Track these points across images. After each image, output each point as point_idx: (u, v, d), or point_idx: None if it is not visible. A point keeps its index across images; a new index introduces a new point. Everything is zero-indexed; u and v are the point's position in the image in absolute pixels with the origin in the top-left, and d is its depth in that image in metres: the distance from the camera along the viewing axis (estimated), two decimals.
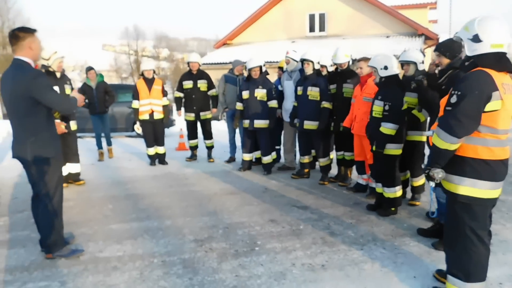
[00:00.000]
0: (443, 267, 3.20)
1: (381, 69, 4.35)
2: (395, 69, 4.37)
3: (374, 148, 4.43)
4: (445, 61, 3.85)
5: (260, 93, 6.36)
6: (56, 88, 5.39)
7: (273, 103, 6.40)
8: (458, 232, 2.62)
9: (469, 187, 2.51)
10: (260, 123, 6.41)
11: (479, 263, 2.60)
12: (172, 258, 3.46)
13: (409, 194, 4.99)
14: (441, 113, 2.63)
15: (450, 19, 26.03)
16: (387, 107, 4.25)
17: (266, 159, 6.57)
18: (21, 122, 3.29)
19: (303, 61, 5.80)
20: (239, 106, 6.68)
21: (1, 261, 3.43)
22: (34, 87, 3.15)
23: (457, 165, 2.54)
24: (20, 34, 3.19)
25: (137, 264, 3.36)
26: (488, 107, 2.38)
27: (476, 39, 2.45)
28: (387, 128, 4.25)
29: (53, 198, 3.40)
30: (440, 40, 19.31)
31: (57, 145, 3.47)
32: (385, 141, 4.28)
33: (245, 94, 6.48)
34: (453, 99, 2.45)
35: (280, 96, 6.55)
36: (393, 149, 4.35)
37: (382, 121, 4.28)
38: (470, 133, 2.44)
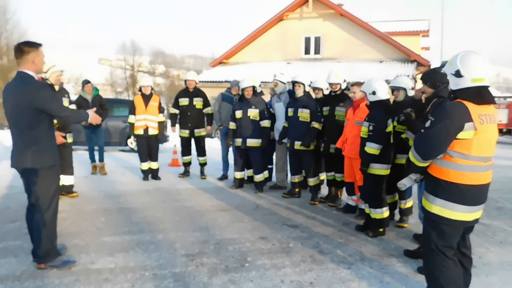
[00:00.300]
0: None
1: (369, 93, 4.55)
2: (383, 94, 4.54)
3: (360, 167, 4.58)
4: (429, 90, 4.02)
5: (253, 112, 6.51)
6: None
7: (266, 123, 6.55)
8: (428, 247, 2.82)
9: (439, 207, 2.70)
10: (252, 142, 6.54)
11: (451, 278, 2.75)
12: (164, 271, 3.51)
13: (397, 216, 5.10)
14: None
15: (441, 46, 26.69)
16: (371, 127, 4.43)
17: (258, 178, 6.67)
18: (23, 132, 3.35)
19: (294, 83, 5.98)
20: (232, 125, 6.81)
21: None
22: (39, 98, 3.24)
23: (432, 185, 2.75)
24: (25, 48, 3.29)
25: (129, 276, 3.40)
26: (460, 136, 2.56)
27: (458, 74, 2.63)
28: (371, 148, 4.41)
29: (49, 208, 3.43)
30: (432, 67, 19.90)
31: (55, 155, 3.53)
32: (369, 160, 4.43)
33: (238, 114, 6.62)
34: (427, 124, 2.67)
35: (271, 117, 6.72)
36: (379, 169, 4.46)
37: (367, 141, 4.46)
38: (435, 157, 2.66)
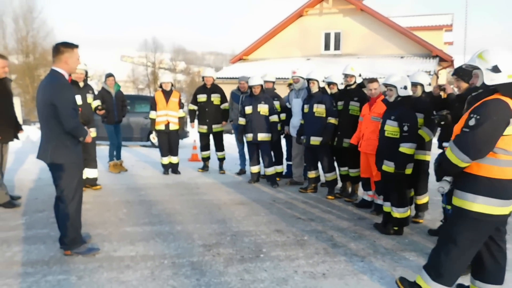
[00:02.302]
0: None
1: (401, 88, 4.41)
2: (410, 90, 4.51)
3: (387, 168, 4.44)
4: (464, 85, 3.93)
5: (263, 108, 6.66)
6: (78, 97, 5.70)
7: (274, 118, 6.71)
8: (452, 239, 2.80)
9: (482, 205, 2.65)
10: (263, 136, 6.68)
11: (455, 270, 2.81)
12: (182, 260, 3.67)
13: (412, 212, 5.12)
14: (453, 137, 2.81)
15: (465, 41, 26.14)
16: (406, 128, 4.28)
17: (269, 171, 6.80)
18: (48, 127, 3.54)
19: (308, 80, 6.05)
20: (241, 121, 6.94)
21: (23, 255, 3.67)
22: (58, 98, 3.40)
23: (471, 183, 2.70)
24: (61, 48, 3.46)
25: (149, 264, 3.57)
26: (505, 132, 2.55)
27: (495, 69, 2.63)
28: (408, 148, 4.27)
29: (73, 199, 3.61)
30: (455, 62, 19.45)
31: (78, 150, 3.67)
32: (407, 161, 4.31)
33: (248, 109, 6.75)
34: (472, 122, 2.60)
35: (288, 113, 6.81)
36: (407, 169, 4.38)
37: (402, 142, 4.30)
38: (483, 156, 2.60)
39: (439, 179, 2.93)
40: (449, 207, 3.95)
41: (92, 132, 6.05)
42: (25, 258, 3.62)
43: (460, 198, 2.76)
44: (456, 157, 2.65)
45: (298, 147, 6.83)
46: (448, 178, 2.89)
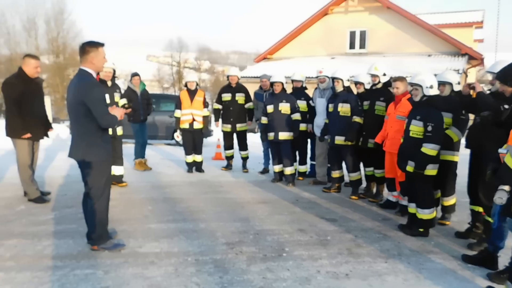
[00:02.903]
0: (468, 286, 3.29)
1: (426, 87, 4.30)
2: (437, 89, 4.40)
3: (411, 168, 4.36)
4: (509, 89, 3.72)
5: (284, 107, 6.61)
6: (107, 96, 5.82)
7: (297, 116, 6.65)
8: None
9: None
10: (284, 135, 6.65)
11: None
12: (205, 257, 3.71)
13: (439, 213, 5.01)
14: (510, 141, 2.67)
15: (496, 39, 25.31)
16: (429, 128, 4.19)
17: (288, 170, 6.78)
18: (78, 126, 3.63)
19: (333, 79, 6.00)
20: (264, 120, 6.94)
21: (53, 249, 3.80)
22: (89, 97, 3.48)
23: None
24: (86, 47, 3.54)
25: (173, 260, 3.62)
26: None
27: None
28: (430, 149, 4.19)
29: (101, 196, 3.71)
30: (485, 60, 18.83)
31: (108, 148, 3.76)
32: (427, 162, 4.22)
33: (270, 108, 6.74)
34: None
35: (312, 112, 6.76)
36: (431, 170, 4.29)
37: (424, 142, 4.23)
38: None
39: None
40: (489, 219, 3.83)
41: (119, 130, 6.20)
42: (55, 252, 3.74)
43: None
44: None
45: (322, 146, 6.78)
46: (506, 188, 2.74)
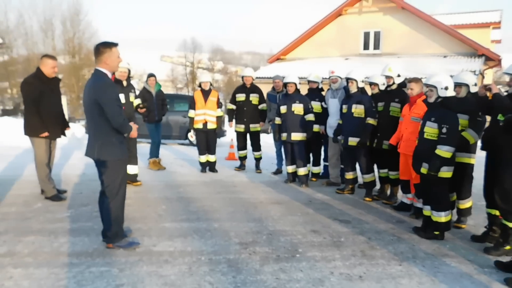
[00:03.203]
0: None
1: (441, 88, 4.27)
2: (452, 91, 4.35)
3: (425, 170, 4.31)
4: None
5: (297, 107, 6.60)
6: (122, 96, 5.90)
7: (310, 117, 6.64)
8: None
9: None
10: (297, 136, 6.64)
11: None
12: (218, 257, 3.73)
13: (454, 216, 4.94)
14: None
15: None
16: (444, 130, 4.15)
17: (301, 171, 6.76)
18: (94, 125, 3.68)
19: (347, 80, 5.97)
20: (277, 120, 6.94)
21: (69, 246, 3.86)
22: (104, 97, 3.53)
23: None
24: (100, 48, 3.60)
25: (186, 259, 3.65)
26: None
27: None
28: (444, 151, 4.14)
29: (117, 195, 3.75)
30: (503, 61, 18.51)
31: (123, 148, 3.79)
32: (441, 164, 4.18)
33: (283, 109, 6.74)
34: None
35: (325, 114, 6.75)
36: (445, 172, 4.24)
37: (439, 144, 4.19)
38: None
39: None
40: (507, 222, 3.75)
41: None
42: (71, 249, 3.79)
43: None
44: None
45: (335, 147, 6.75)
46: None
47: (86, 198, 5.53)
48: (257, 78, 17.08)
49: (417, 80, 5.12)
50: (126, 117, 3.78)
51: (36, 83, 5.15)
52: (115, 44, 3.67)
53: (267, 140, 10.51)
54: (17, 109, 25.72)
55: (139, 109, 6.49)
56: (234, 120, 7.94)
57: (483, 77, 17.92)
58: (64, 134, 5.65)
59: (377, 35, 19.18)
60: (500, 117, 4.07)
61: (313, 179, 7.24)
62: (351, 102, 5.93)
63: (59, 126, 5.49)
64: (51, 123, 5.26)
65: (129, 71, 6.32)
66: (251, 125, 7.74)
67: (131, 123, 3.86)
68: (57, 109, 5.44)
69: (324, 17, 19.93)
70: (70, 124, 6.34)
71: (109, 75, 3.68)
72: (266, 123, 7.99)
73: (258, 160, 8.03)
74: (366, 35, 19.38)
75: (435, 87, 4.30)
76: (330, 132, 6.66)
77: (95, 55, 3.62)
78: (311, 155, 7.25)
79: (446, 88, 4.28)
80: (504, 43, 27.79)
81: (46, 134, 5.21)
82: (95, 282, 3.16)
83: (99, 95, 3.53)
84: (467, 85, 4.69)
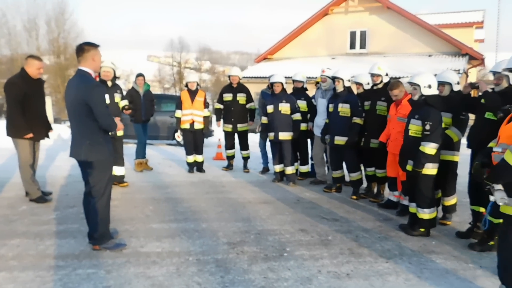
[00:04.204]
0: (469, 286, 3.30)
1: (424, 87, 4.31)
2: (436, 89, 4.41)
3: (411, 167, 4.38)
4: None
5: (284, 107, 6.62)
6: (107, 96, 5.84)
7: (297, 116, 6.67)
8: None
9: None
10: (284, 135, 6.67)
11: None
12: (206, 257, 3.72)
13: (440, 213, 5.01)
14: (507, 139, 2.67)
15: (497, 39, 25.31)
16: (428, 126, 4.21)
17: (290, 170, 6.80)
18: (79, 125, 3.65)
19: (334, 78, 6.01)
20: (264, 120, 6.96)
21: (55, 249, 3.81)
22: (91, 97, 3.50)
23: None
24: (85, 47, 3.59)
25: (174, 260, 3.63)
26: None
27: None
28: (428, 148, 4.20)
29: (103, 196, 3.72)
30: (486, 60, 18.87)
31: (109, 148, 3.77)
32: (426, 161, 4.24)
33: (270, 108, 6.76)
34: None
35: (312, 111, 6.79)
36: (430, 169, 4.30)
37: (423, 141, 4.25)
38: None
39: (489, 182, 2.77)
40: (496, 221, 3.81)
41: (119, 132, 6.18)
42: (57, 251, 3.75)
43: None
44: None
45: (320, 146, 6.79)
46: (500, 187, 2.74)
47: (72, 199, 5.47)
48: (244, 77, 17.09)
49: (397, 85, 5.10)
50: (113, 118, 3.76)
51: (21, 84, 5.07)
52: (98, 45, 3.69)
53: (255, 140, 10.50)
54: (0, 110, 25.28)
55: (125, 111, 6.40)
56: (221, 120, 7.92)
57: (467, 75, 18.20)
58: (48, 136, 5.58)
59: (363, 34, 19.34)
60: (488, 115, 4.13)
61: (300, 178, 7.26)
62: (338, 101, 5.97)
63: (43, 127, 5.42)
64: (35, 124, 5.19)
65: (114, 71, 6.25)
66: (238, 125, 7.74)
67: (116, 119, 3.89)
68: (41, 110, 5.37)
69: (310, 17, 20.02)
70: (56, 126, 6.28)
71: (93, 75, 3.66)
72: (254, 122, 7.98)
73: (246, 159, 8.03)
74: (353, 34, 19.53)
75: (418, 85, 4.36)
76: (317, 131, 6.70)
77: (80, 55, 3.59)
78: (298, 154, 7.27)
79: (430, 87, 4.34)
80: (487, 42, 28.27)
81: (30, 135, 5.13)
82: (82, 285, 3.13)
83: (88, 96, 3.50)
84: (450, 84, 4.77)
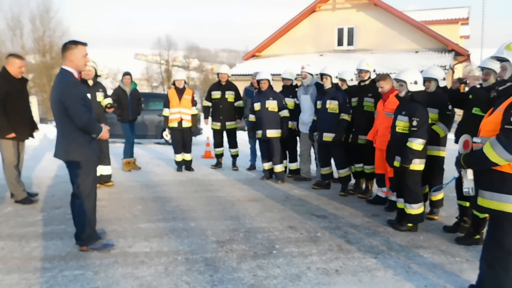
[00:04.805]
0: (456, 279, 3.32)
1: (411, 83, 4.34)
2: (422, 85, 4.43)
3: (398, 163, 4.40)
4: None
5: (272, 104, 6.62)
6: (88, 95, 5.74)
7: (285, 113, 6.66)
8: (501, 251, 2.64)
9: None
10: (272, 133, 6.67)
11: None
12: (195, 256, 3.70)
13: (427, 208, 5.06)
14: (487, 133, 2.66)
15: (482, 35, 25.63)
16: (414, 122, 4.23)
17: (278, 168, 6.80)
18: (62, 125, 3.59)
19: (322, 75, 6.01)
20: (251, 118, 6.95)
21: (41, 250, 3.75)
22: (67, 96, 3.45)
23: (509, 184, 2.55)
24: (68, 45, 3.53)
25: (163, 260, 3.60)
26: None
27: None
28: (416, 144, 4.23)
29: (89, 196, 3.68)
30: (471, 56, 19.09)
31: (92, 147, 3.69)
32: (413, 157, 4.26)
33: (257, 106, 6.75)
34: None
35: (297, 109, 6.80)
36: (417, 164, 4.33)
37: (410, 137, 4.27)
38: None
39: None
40: (481, 215, 3.84)
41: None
42: (43, 253, 3.69)
43: (495, 201, 2.60)
44: (497, 155, 2.48)
45: (306, 143, 6.80)
46: (471, 177, 2.76)
47: (58, 200, 5.40)
48: (232, 75, 17.06)
49: (385, 77, 5.15)
50: (93, 117, 3.69)
51: (2, 83, 4.97)
52: (83, 43, 3.61)
53: (243, 137, 10.49)
54: None
55: (107, 109, 6.27)
56: (210, 118, 7.89)
57: (453, 71, 18.40)
58: (33, 136, 5.49)
59: (350, 31, 19.41)
60: (475, 110, 4.17)
61: (290, 175, 7.26)
62: (326, 98, 5.97)
63: (27, 127, 5.32)
64: (18, 124, 5.09)
65: (95, 70, 6.15)
66: (227, 123, 7.71)
67: (102, 125, 3.78)
68: (24, 110, 5.27)
69: (298, 14, 20.02)
70: (42, 125, 6.19)
71: (75, 74, 3.60)
72: (242, 120, 7.97)
73: (234, 157, 8.01)
74: (340, 31, 19.58)
75: (404, 81, 4.38)
76: (302, 128, 6.70)
77: (62, 53, 3.55)
78: (287, 151, 7.27)
79: (416, 83, 4.37)
80: (472, 38, 28.67)
81: (12, 135, 5.03)
82: (69, 286, 3.09)
83: (63, 94, 3.45)
84: (436, 80, 4.80)
